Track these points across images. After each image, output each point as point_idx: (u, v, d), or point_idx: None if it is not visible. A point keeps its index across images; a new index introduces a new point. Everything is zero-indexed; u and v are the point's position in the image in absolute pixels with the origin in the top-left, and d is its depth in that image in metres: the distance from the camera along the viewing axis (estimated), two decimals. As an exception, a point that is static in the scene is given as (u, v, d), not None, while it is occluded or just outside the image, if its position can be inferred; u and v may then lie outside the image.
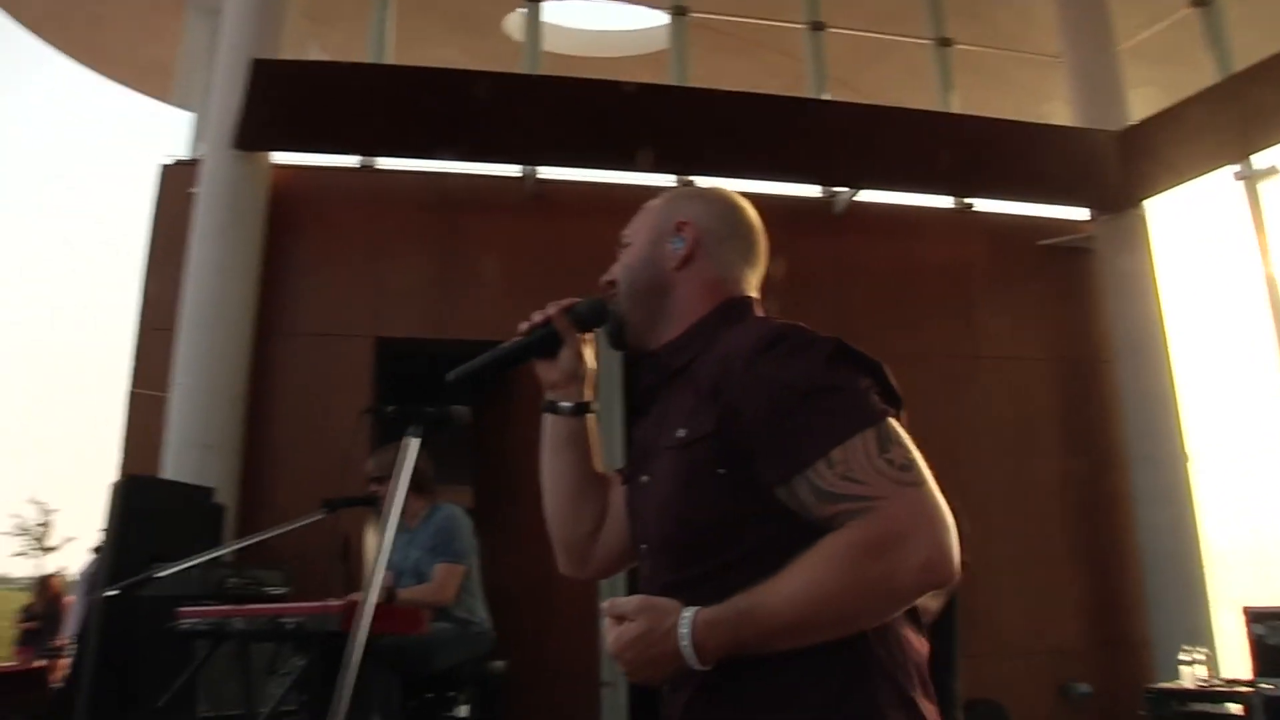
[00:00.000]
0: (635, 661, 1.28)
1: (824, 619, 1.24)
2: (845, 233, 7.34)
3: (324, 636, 3.05)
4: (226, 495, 5.67)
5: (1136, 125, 7.10)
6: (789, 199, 7.40)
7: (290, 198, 6.65)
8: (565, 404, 1.68)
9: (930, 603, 2.89)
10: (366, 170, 6.92)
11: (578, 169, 7.07)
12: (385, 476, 4.28)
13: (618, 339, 1.63)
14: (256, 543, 5.16)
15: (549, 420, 1.69)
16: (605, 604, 1.32)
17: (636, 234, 1.67)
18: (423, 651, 3.98)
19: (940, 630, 3.01)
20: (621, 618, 1.29)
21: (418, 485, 4.40)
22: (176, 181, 6.55)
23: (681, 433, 1.40)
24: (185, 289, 6.08)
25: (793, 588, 1.22)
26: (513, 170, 6.99)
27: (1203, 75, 7.38)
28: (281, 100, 6.09)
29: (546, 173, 7.01)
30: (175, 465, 5.69)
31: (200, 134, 6.84)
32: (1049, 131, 7.15)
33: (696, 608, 1.25)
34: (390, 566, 4.42)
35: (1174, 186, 7.43)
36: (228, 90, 6.19)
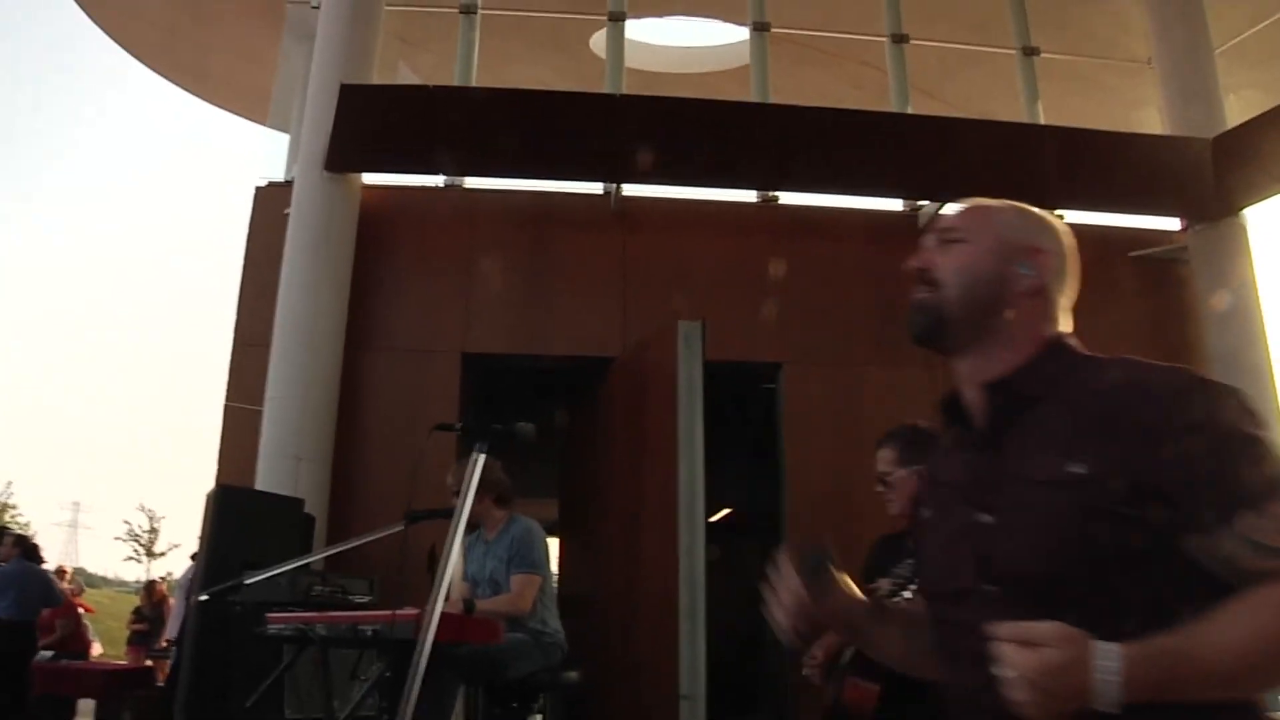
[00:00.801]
0: (1046, 691, 1.13)
1: (1261, 671, 1.19)
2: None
3: (399, 644, 3.13)
4: (316, 506, 5.85)
5: (1233, 130, 6.90)
6: (872, 213, 7.37)
7: (379, 217, 6.84)
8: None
9: None
10: (453, 189, 7.09)
11: (660, 186, 7.13)
12: (454, 489, 4.39)
13: (922, 325, 1.52)
14: (345, 552, 5.33)
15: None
16: (1007, 628, 1.17)
17: (977, 237, 1.53)
18: (497, 660, 4.06)
19: None
20: (1033, 644, 1.14)
21: (497, 497, 4.50)
22: (271, 203, 6.80)
23: (1078, 468, 1.29)
24: (278, 306, 6.29)
25: (1235, 635, 1.16)
26: (596, 188, 7.09)
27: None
28: (370, 123, 6.28)
29: (630, 190, 7.10)
30: (267, 476, 5.88)
31: (294, 156, 7.08)
32: (1140, 140, 7.00)
33: (1116, 643, 1.15)
34: (468, 577, 4.53)
35: (1275, 194, 7.20)
36: (319, 114, 6.41)
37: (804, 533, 6.13)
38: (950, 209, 1.61)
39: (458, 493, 4.30)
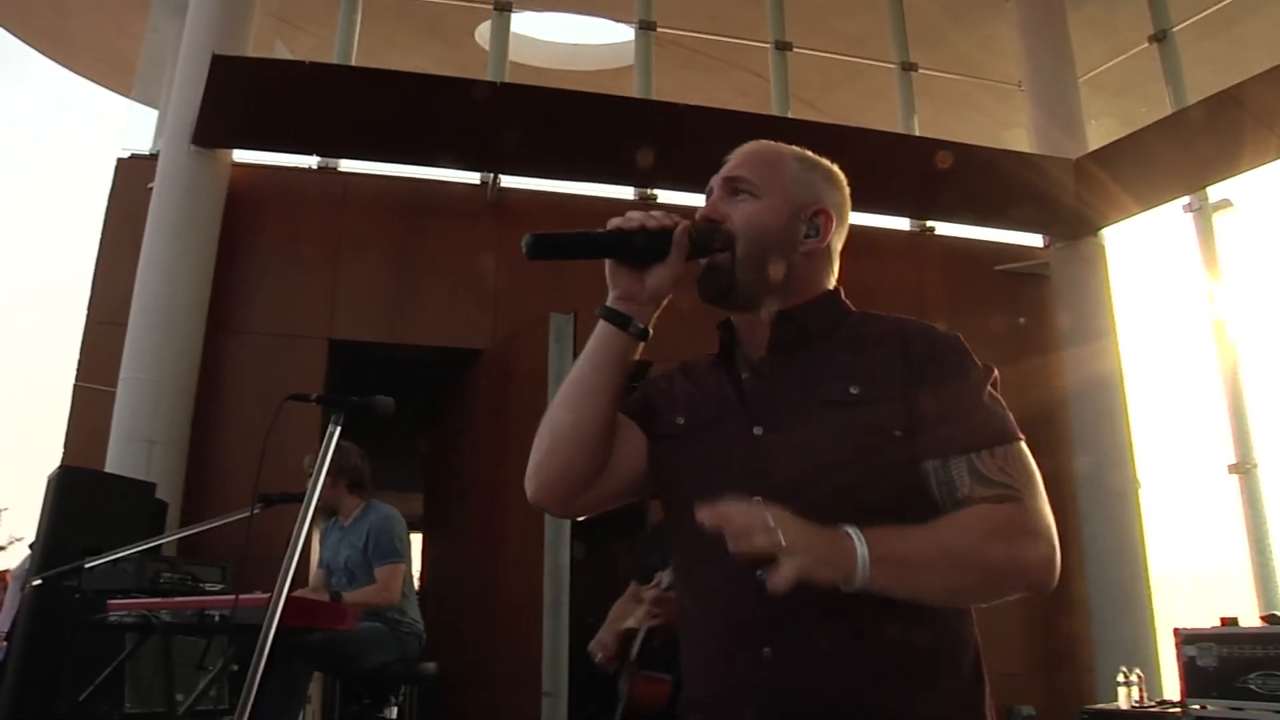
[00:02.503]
0: (802, 544, 1.19)
1: (950, 572, 1.33)
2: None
3: (246, 630, 3.02)
4: (170, 491, 5.61)
5: (1093, 153, 7.19)
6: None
7: (248, 196, 6.62)
8: (639, 323, 1.52)
9: None
10: (327, 171, 6.91)
11: (538, 178, 7.06)
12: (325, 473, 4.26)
13: (715, 286, 1.57)
14: (200, 540, 5.13)
15: (608, 333, 1.52)
16: (778, 512, 1.21)
17: (767, 192, 1.59)
18: (351, 649, 3.96)
19: None
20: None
21: (354, 483, 4.39)
22: (133, 176, 6.51)
23: (855, 390, 1.44)
24: (137, 284, 6.03)
25: (936, 534, 1.33)
26: (473, 177, 6.99)
27: (1160, 108, 7.50)
28: (242, 97, 6.07)
29: (508, 181, 7.01)
30: (118, 460, 5.63)
31: (161, 130, 6.80)
32: (1008, 157, 7.22)
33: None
34: (322, 564, 4.40)
35: (1129, 216, 7.54)
36: (188, 86, 6.17)
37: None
38: (737, 152, 1.65)
39: (308, 476, 4.21)
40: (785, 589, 1.17)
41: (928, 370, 1.46)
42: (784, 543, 1.18)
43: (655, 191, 7.23)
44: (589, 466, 1.54)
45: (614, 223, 1.51)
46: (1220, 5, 7.87)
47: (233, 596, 3.15)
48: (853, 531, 1.24)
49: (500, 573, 5.86)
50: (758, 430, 1.48)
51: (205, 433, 6.10)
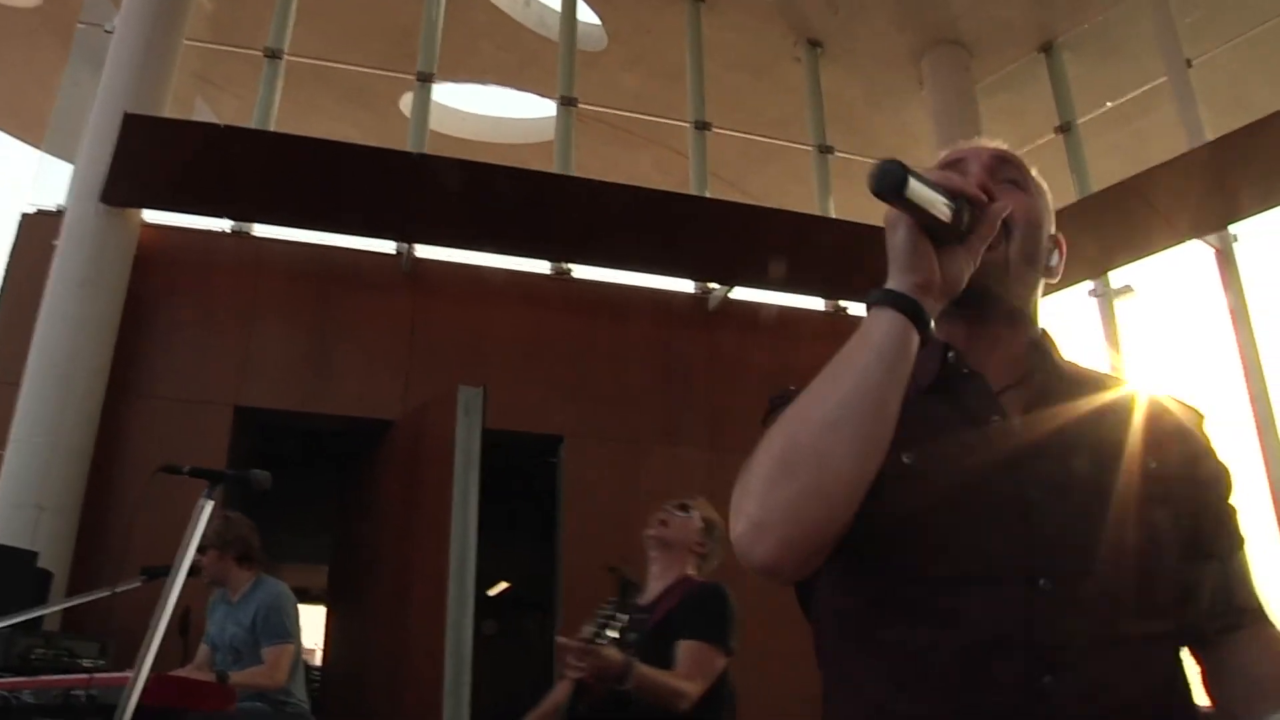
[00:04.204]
0: None
1: None
2: (719, 329, 7.45)
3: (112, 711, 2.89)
4: (57, 561, 5.39)
5: (1000, 239, 7.35)
6: (662, 293, 7.49)
7: (158, 257, 6.50)
8: (929, 319, 1.13)
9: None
10: (240, 235, 6.83)
11: (454, 249, 7.06)
12: (210, 546, 4.15)
13: (988, 280, 1.21)
14: (85, 614, 4.94)
15: (903, 327, 1.10)
16: None
17: (1034, 190, 1.32)
18: (233, 732, 3.81)
19: None
20: None
21: (242, 556, 4.27)
22: (38, 232, 6.35)
23: (1154, 464, 1.20)
24: (34, 341, 5.86)
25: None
26: (389, 247, 6.96)
27: (1066, 197, 7.74)
28: (153, 157, 5.99)
29: (423, 252, 7.00)
30: (2, 526, 5.41)
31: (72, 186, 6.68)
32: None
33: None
34: (207, 640, 4.26)
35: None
36: (100, 142, 6.05)
37: (580, 608, 6.08)
38: (982, 143, 1.34)
39: (202, 549, 4.08)
40: None
41: (1202, 459, 1.27)
42: None
43: (571, 266, 7.26)
44: (853, 509, 1.09)
45: (956, 182, 1.15)
46: (1121, 101, 8.19)
47: (102, 675, 3.03)
48: None
49: (404, 648, 5.73)
50: (1033, 492, 1.16)
51: (99, 500, 5.90)
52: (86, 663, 4.34)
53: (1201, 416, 1.30)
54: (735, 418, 6.90)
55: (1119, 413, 1.25)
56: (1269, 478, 6.48)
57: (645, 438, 6.91)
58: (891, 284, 1.12)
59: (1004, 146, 1.34)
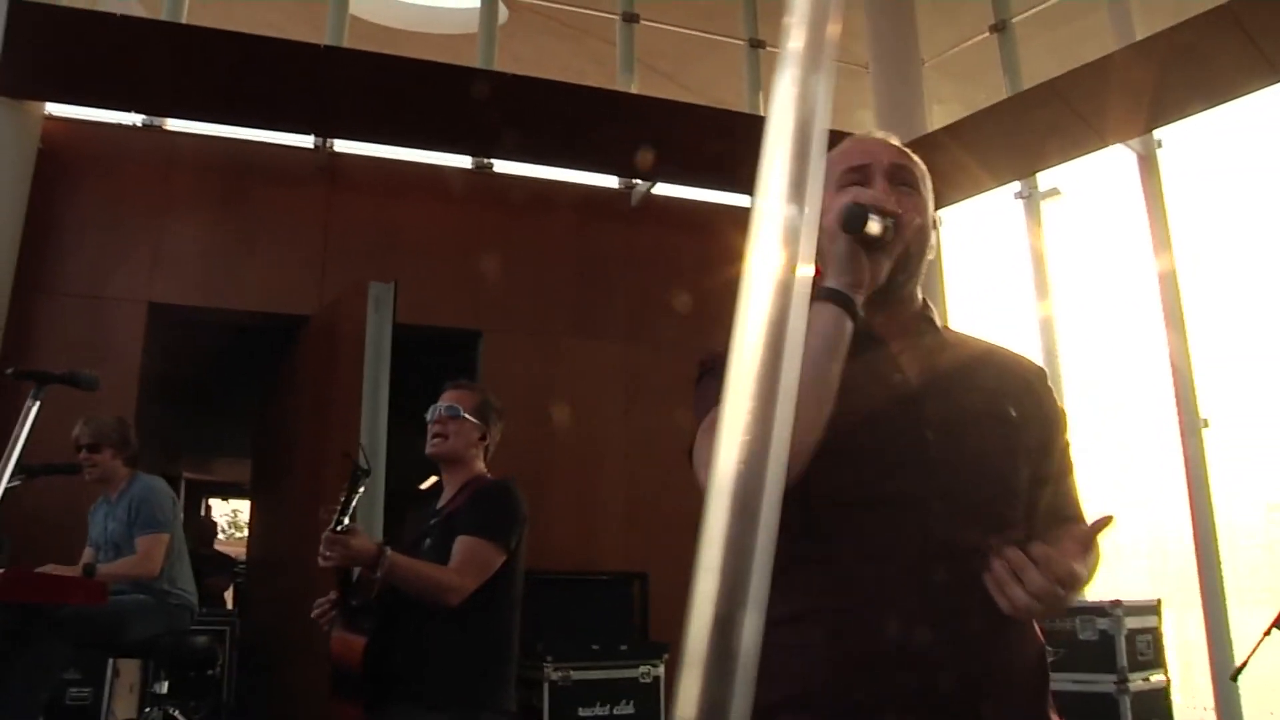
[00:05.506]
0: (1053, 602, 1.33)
1: None
2: (641, 224, 7.41)
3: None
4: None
5: (926, 135, 7.32)
6: (585, 188, 7.42)
7: (64, 151, 6.37)
8: (860, 310, 1.42)
9: None
10: (151, 130, 6.67)
11: (371, 144, 6.94)
12: (96, 445, 4.16)
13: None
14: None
15: (843, 321, 1.40)
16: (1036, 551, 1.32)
17: (924, 190, 1.66)
18: (112, 623, 3.87)
19: None
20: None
21: (131, 456, 4.29)
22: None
23: (1014, 411, 1.56)
24: (-66, 239, 5.77)
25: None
26: (305, 140, 6.84)
27: (999, 95, 7.68)
28: (49, 48, 5.82)
29: (340, 146, 6.88)
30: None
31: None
32: (843, 137, 7.30)
33: None
34: (90, 543, 4.30)
35: (961, 200, 7.72)
36: (-6, 33, 5.88)
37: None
38: (875, 140, 1.69)
39: (89, 447, 4.11)
40: None
41: (1048, 402, 1.65)
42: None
43: (492, 161, 7.17)
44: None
45: (889, 206, 1.46)
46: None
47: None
48: None
49: (317, 539, 5.79)
50: (928, 431, 1.50)
51: (7, 401, 5.87)
52: (-27, 560, 4.37)
53: (1044, 372, 1.69)
54: (654, 312, 6.94)
55: (989, 367, 1.62)
56: (1173, 378, 6.59)
57: (564, 331, 6.94)
58: (831, 283, 1.42)
59: (897, 144, 1.67)
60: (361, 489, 2.83)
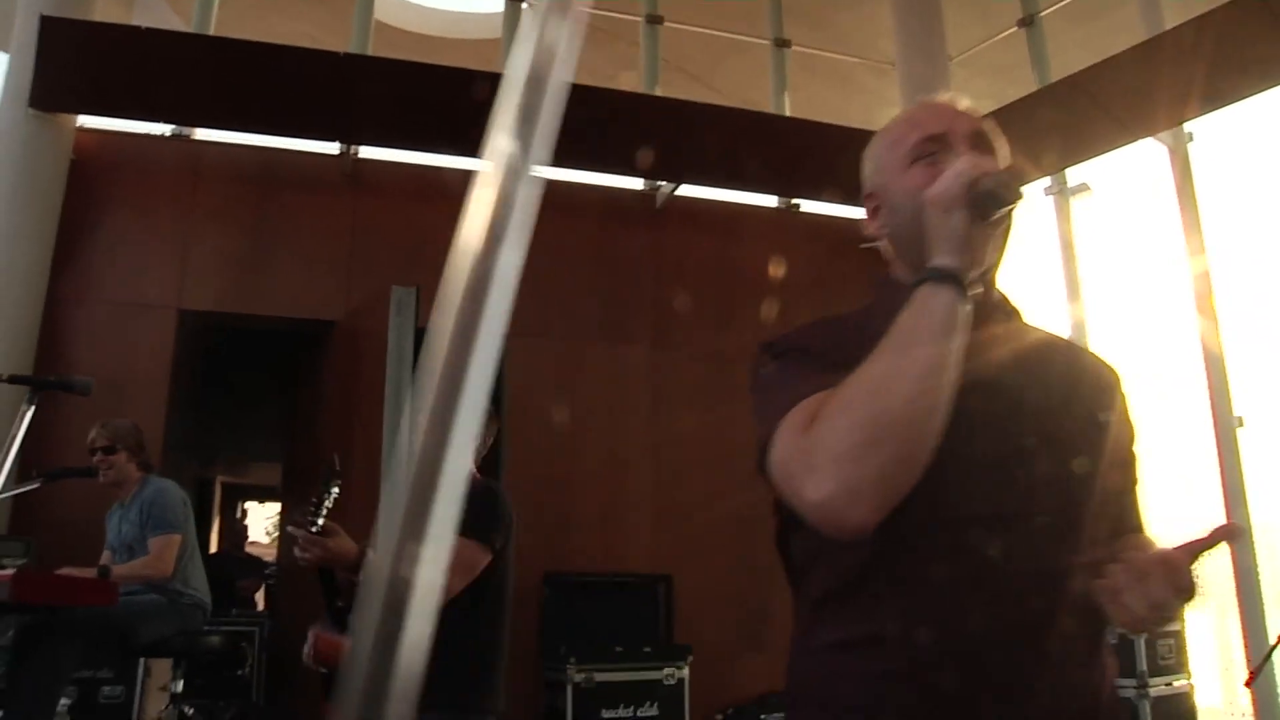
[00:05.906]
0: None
1: None
2: (666, 227, 7.41)
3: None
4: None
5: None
6: (609, 190, 7.42)
7: (95, 162, 6.49)
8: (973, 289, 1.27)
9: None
10: (178, 139, 6.78)
11: (396, 149, 7.00)
12: (110, 448, 4.23)
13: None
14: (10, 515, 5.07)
15: (956, 305, 1.23)
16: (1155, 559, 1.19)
17: (1001, 153, 1.45)
18: (125, 624, 3.93)
19: None
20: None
21: (135, 458, 4.35)
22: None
23: (1107, 418, 1.39)
24: (-32, 250, 5.90)
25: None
26: (331, 148, 6.91)
27: (1027, 90, 7.59)
28: (81, 62, 5.94)
29: (366, 152, 6.95)
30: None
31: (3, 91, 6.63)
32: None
33: None
34: (108, 546, 4.37)
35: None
36: (24, 46, 6.00)
37: (522, 501, 6.18)
38: (953, 104, 1.47)
39: (104, 450, 4.19)
40: None
41: (1121, 406, 1.46)
42: None
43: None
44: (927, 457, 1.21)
45: (1000, 180, 1.26)
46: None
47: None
48: None
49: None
50: (1029, 441, 1.32)
51: (44, 406, 5.98)
52: (6, 560, 4.47)
53: (1121, 376, 1.48)
54: (680, 316, 6.92)
55: (1079, 368, 1.45)
56: (1207, 373, 6.48)
57: (589, 335, 6.95)
58: (942, 262, 1.25)
59: (969, 104, 1.47)
60: (335, 490, 2.86)
